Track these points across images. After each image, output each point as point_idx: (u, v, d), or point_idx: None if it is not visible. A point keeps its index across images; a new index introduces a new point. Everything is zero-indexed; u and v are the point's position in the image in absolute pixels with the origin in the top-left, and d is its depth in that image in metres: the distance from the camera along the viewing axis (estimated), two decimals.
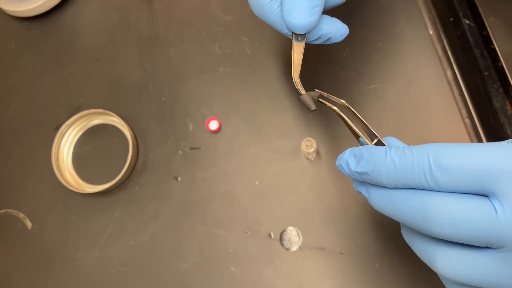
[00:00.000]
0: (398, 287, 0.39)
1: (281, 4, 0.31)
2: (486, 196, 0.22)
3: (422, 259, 0.26)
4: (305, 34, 0.31)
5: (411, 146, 0.24)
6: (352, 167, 0.26)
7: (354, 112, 0.31)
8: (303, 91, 0.32)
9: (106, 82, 0.50)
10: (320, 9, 0.30)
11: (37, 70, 0.51)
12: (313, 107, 0.32)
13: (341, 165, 0.27)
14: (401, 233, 0.40)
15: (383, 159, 0.24)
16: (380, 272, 0.40)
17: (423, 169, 0.23)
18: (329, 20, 0.33)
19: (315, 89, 0.33)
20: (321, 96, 0.32)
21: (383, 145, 0.28)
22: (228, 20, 0.49)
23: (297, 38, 0.32)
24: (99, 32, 0.52)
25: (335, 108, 0.31)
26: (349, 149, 0.27)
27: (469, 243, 0.22)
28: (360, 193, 0.28)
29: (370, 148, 0.26)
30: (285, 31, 0.32)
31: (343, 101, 0.32)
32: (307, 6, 0.29)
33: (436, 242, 0.24)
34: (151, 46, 0.50)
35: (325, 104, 0.32)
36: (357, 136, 0.30)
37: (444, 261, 0.23)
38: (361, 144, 0.30)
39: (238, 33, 0.49)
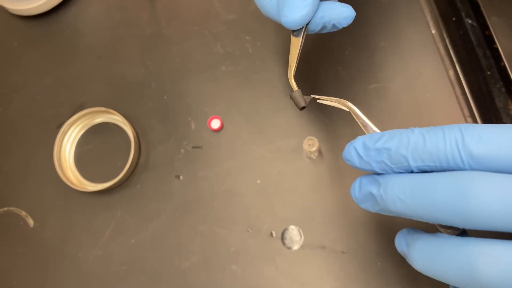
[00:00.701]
0: (400, 286, 0.39)
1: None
2: None
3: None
4: (301, 29, 0.30)
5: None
6: (371, 144, 0.22)
7: (354, 111, 0.29)
8: (295, 88, 0.32)
9: (108, 80, 0.50)
10: (311, 1, 0.28)
11: (39, 69, 0.51)
12: (302, 104, 0.31)
13: (354, 147, 0.23)
14: None
15: (410, 133, 0.21)
16: (382, 271, 0.40)
17: (455, 140, 0.19)
18: (329, 7, 0.30)
19: (311, 95, 0.32)
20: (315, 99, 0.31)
21: None
22: (230, 19, 0.49)
23: (294, 34, 0.31)
24: (101, 30, 0.52)
25: (335, 104, 0.30)
26: (360, 136, 0.24)
27: None
28: (369, 195, 0.23)
29: (388, 131, 0.22)
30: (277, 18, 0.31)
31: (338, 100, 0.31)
32: (296, 1, 0.28)
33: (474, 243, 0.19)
34: (153, 44, 0.50)
35: (322, 101, 0.31)
36: (363, 127, 0.28)
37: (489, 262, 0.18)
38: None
39: (241, 32, 0.49)
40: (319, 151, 0.44)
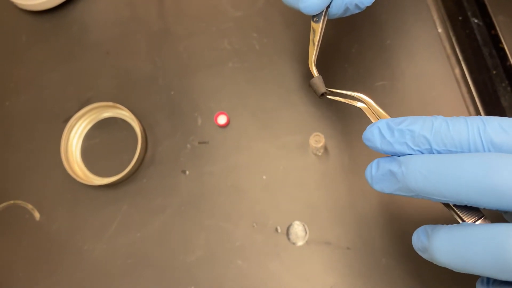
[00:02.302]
0: (404, 282, 0.40)
1: None
2: None
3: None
4: (320, 13, 0.30)
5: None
6: (394, 125, 0.23)
7: (368, 101, 0.28)
8: (315, 74, 0.30)
9: (115, 76, 0.50)
10: None
11: (47, 63, 0.52)
12: (322, 90, 0.30)
13: (377, 127, 0.23)
14: (407, 229, 0.41)
15: (434, 119, 0.22)
16: (387, 268, 0.40)
17: (477, 126, 0.20)
18: None
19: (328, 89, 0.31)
20: (330, 93, 0.30)
21: None
22: (238, 16, 0.50)
23: (314, 19, 0.30)
24: (109, 26, 0.52)
25: (349, 99, 0.29)
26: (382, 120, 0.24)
27: None
28: (388, 173, 0.23)
29: (413, 116, 0.23)
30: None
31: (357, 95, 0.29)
32: None
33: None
34: (161, 40, 0.50)
35: (334, 97, 0.30)
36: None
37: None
38: None
39: (248, 29, 0.49)
40: (325, 148, 0.44)
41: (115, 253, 0.44)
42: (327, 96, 0.30)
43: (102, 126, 0.49)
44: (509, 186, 0.18)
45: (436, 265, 0.40)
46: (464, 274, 0.39)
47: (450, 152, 0.21)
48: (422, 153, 0.22)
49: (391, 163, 0.23)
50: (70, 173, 0.45)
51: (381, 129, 0.23)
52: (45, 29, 0.53)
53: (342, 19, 0.39)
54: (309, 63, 0.31)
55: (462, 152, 0.20)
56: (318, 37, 0.31)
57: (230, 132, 0.46)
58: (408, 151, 0.22)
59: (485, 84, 0.45)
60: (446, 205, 0.23)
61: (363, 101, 0.28)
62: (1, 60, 0.53)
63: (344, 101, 0.29)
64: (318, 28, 0.31)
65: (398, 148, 0.22)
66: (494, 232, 0.19)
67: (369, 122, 0.27)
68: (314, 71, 0.31)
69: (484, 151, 0.20)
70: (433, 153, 0.21)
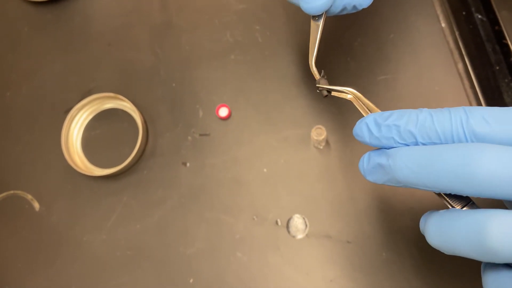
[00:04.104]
0: (404, 276, 0.39)
1: None
2: None
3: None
4: (321, 13, 0.30)
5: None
6: (381, 121, 0.23)
7: (362, 98, 0.29)
8: (316, 75, 0.31)
9: (117, 67, 0.50)
10: None
11: (49, 54, 0.52)
12: (324, 92, 0.30)
13: (365, 123, 0.24)
14: (408, 223, 0.41)
15: (419, 112, 0.22)
16: (387, 262, 0.40)
17: (459, 118, 0.21)
18: None
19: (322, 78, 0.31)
20: (324, 81, 0.30)
21: None
22: (240, 9, 0.50)
23: (315, 18, 0.31)
24: (111, 17, 0.52)
25: (343, 94, 0.30)
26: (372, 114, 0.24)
27: None
28: (378, 166, 0.24)
29: (396, 111, 0.23)
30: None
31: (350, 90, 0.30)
32: None
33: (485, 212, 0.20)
34: (163, 32, 0.50)
35: (330, 89, 0.30)
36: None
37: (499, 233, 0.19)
38: None
39: (250, 22, 0.49)
40: (327, 141, 0.44)
41: (115, 244, 0.44)
42: (317, 91, 0.31)
43: (103, 117, 0.48)
44: (488, 174, 0.19)
45: (436, 259, 0.40)
46: (463, 268, 0.39)
47: (435, 144, 0.21)
48: (409, 145, 0.22)
49: (380, 156, 0.23)
50: (70, 164, 0.45)
51: (369, 124, 0.24)
52: (47, 20, 0.53)
53: (345, 13, 0.39)
54: (310, 64, 0.31)
55: (446, 143, 0.21)
56: (318, 36, 0.31)
57: (231, 125, 0.46)
58: (395, 145, 0.23)
59: (488, 80, 0.45)
60: (437, 193, 0.23)
61: (352, 94, 0.29)
62: (3, 51, 0.53)
63: (335, 94, 0.30)
64: (318, 28, 0.31)
65: (386, 142, 0.23)
66: (475, 217, 0.19)
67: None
68: (316, 73, 0.31)
69: (467, 141, 0.20)
70: (419, 145, 0.22)
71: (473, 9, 0.47)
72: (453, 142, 0.21)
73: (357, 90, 0.39)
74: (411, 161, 0.21)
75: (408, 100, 0.44)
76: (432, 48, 0.45)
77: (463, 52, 0.46)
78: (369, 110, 0.27)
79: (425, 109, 0.22)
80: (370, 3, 0.30)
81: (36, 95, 0.50)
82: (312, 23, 0.31)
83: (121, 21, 0.52)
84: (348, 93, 0.29)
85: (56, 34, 0.52)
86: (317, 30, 0.31)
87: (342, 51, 0.46)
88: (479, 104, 0.44)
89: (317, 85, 0.30)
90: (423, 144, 0.22)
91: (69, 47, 0.52)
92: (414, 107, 0.43)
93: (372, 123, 0.23)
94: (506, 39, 0.45)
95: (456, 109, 0.21)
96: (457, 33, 0.46)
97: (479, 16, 0.47)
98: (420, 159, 0.21)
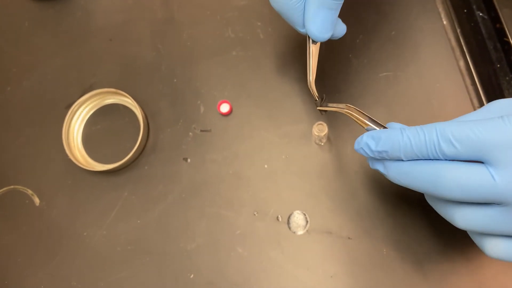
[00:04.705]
0: (405, 272, 0.39)
1: (304, 5, 0.32)
2: (482, 162, 0.26)
3: (444, 218, 0.31)
4: None
5: (421, 125, 0.29)
6: (373, 147, 0.30)
7: (357, 109, 0.34)
8: (316, 96, 0.36)
9: (118, 62, 0.50)
10: (335, 20, 0.33)
11: (50, 49, 0.52)
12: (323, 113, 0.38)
13: (361, 148, 0.31)
14: (409, 220, 0.41)
15: (401, 138, 0.29)
16: (388, 258, 0.40)
17: (432, 144, 0.27)
18: (336, 23, 0.35)
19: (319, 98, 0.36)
20: (324, 104, 0.36)
21: None
22: (242, 5, 0.50)
23: (313, 42, 0.33)
24: (113, 13, 0.52)
25: (340, 110, 0.35)
26: (365, 134, 0.31)
27: (476, 202, 0.27)
28: (377, 170, 0.32)
29: (386, 130, 0.30)
30: (302, 30, 0.33)
31: (344, 105, 0.35)
32: (331, 22, 0.32)
33: (453, 204, 0.29)
34: (164, 28, 0.50)
35: (328, 110, 0.36)
36: (365, 125, 0.33)
37: (461, 218, 0.29)
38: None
39: (252, 18, 0.49)
40: (328, 138, 0.44)
41: (115, 239, 0.44)
42: (321, 109, 0.37)
43: (104, 113, 0.48)
44: (448, 185, 0.27)
45: (436, 256, 0.40)
46: (463, 264, 0.39)
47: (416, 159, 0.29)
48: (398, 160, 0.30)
49: (379, 165, 0.31)
50: (71, 159, 0.45)
51: (364, 149, 0.31)
52: (48, 15, 0.53)
53: (347, 10, 0.39)
54: (310, 85, 0.35)
55: (423, 159, 0.28)
56: (317, 58, 0.34)
57: (232, 121, 0.46)
58: (388, 160, 0.30)
59: (489, 77, 0.45)
60: None
61: (347, 109, 0.34)
62: (3, 46, 0.52)
63: (337, 110, 0.35)
64: (317, 50, 0.34)
65: (381, 158, 0.31)
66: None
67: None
68: (316, 94, 0.35)
69: (439, 157, 0.27)
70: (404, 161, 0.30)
71: (474, 6, 0.47)
72: (429, 158, 0.28)
73: (359, 87, 0.41)
74: (398, 172, 0.30)
75: (410, 97, 0.44)
76: (434, 45, 0.45)
77: (465, 50, 0.46)
78: (362, 123, 0.33)
79: (405, 133, 0.28)
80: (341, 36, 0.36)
81: (37, 90, 0.50)
82: (312, 46, 0.33)
83: (123, 16, 0.51)
84: (342, 111, 0.34)
85: (57, 29, 0.52)
86: (316, 53, 0.34)
87: (344, 48, 0.46)
88: (481, 101, 0.44)
89: (317, 108, 0.36)
90: (408, 160, 0.29)
91: (70, 42, 0.51)
92: (416, 104, 0.44)
93: (367, 149, 0.30)
94: (507, 37, 0.45)
95: (429, 131, 0.27)
96: (458, 31, 0.46)
97: (480, 14, 0.47)
98: (405, 172, 0.29)
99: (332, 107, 0.35)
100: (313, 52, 0.34)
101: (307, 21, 0.32)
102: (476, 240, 0.30)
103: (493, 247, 0.29)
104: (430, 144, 0.27)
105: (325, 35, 0.32)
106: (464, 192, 0.27)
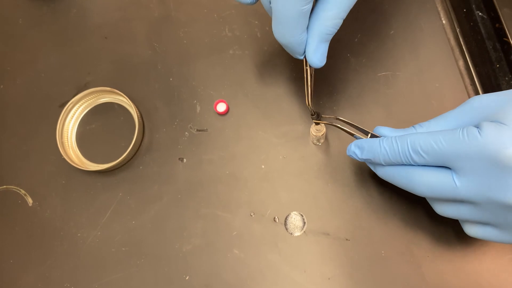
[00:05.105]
0: (404, 275, 0.39)
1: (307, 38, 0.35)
2: (449, 168, 0.31)
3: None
4: None
5: (396, 136, 0.33)
6: (359, 155, 0.36)
7: (345, 121, 0.39)
8: (312, 111, 0.39)
9: (114, 61, 0.49)
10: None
11: (45, 47, 0.51)
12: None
13: (351, 154, 0.37)
14: (407, 221, 0.40)
15: (379, 149, 0.34)
16: (386, 260, 0.40)
17: (405, 154, 0.32)
18: None
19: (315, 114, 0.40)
20: (318, 117, 0.40)
21: (377, 136, 0.36)
22: (239, 3, 0.49)
23: (311, 66, 0.36)
24: (108, 10, 0.51)
25: (330, 123, 0.39)
26: (353, 143, 0.37)
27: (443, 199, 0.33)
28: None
29: (367, 141, 0.36)
30: (300, 57, 0.37)
31: (334, 117, 0.40)
32: (325, 49, 0.36)
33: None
34: (161, 26, 0.49)
35: (321, 122, 0.40)
36: (352, 135, 0.38)
37: (439, 209, 0.34)
38: (357, 139, 0.38)
39: (249, 16, 0.48)
40: (326, 138, 0.43)
41: (110, 241, 0.43)
42: (315, 121, 0.41)
43: (99, 112, 0.48)
44: (420, 186, 0.33)
45: (436, 258, 0.39)
46: (462, 266, 0.38)
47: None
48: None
49: (370, 165, 0.37)
50: (65, 158, 0.44)
51: (353, 156, 0.37)
52: (43, 12, 0.52)
53: None
54: (309, 103, 0.38)
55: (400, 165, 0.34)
56: (313, 78, 0.38)
57: (229, 120, 0.45)
58: (374, 164, 0.36)
59: (488, 77, 0.44)
60: None
61: (339, 126, 0.39)
62: None
63: (330, 124, 0.40)
64: (312, 71, 0.38)
65: (369, 163, 0.37)
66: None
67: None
68: (312, 108, 0.39)
69: (411, 164, 0.33)
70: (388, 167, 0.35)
71: (473, 6, 0.47)
72: (404, 164, 0.33)
73: (357, 87, 0.41)
74: (383, 174, 0.36)
75: (409, 96, 0.44)
76: (433, 44, 0.45)
77: (464, 49, 0.45)
78: (350, 134, 0.38)
79: (383, 144, 0.34)
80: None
81: (31, 88, 0.49)
82: (310, 68, 0.37)
83: (119, 14, 0.51)
84: (332, 125, 0.39)
85: (51, 27, 0.52)
86: (312, 75, 0.38)
87: (342, 47, 0.46)
88: None
89: (314, 121, 0.40)
90: (388, 165, 0.35)
91: (65, 39, 0.51)
92: (415, 103, 0.43)
93: (355, 155, 0.37)
94: (507, 37, 0.44)
95: (402, 143, 0.33)
96: (458, 30, 0.46)
97: (480, 14, 0.46)
98: (387, 174, 0.35)
99: (324, 121, 0.40)
100: (310, 74, 0.37)
101: (310, 53, 0.35)
102: (459, 220, 0.35)
103: (470, 229, 0.34)
104: (403, 154, 0.32)
105: (323, 63, 0.36)
106: (433, 193, 0.32)
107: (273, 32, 0.36)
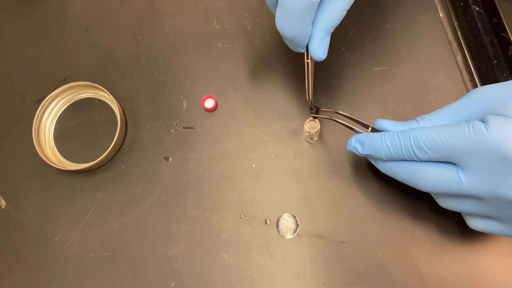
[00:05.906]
0: (402, 279, 0.37)
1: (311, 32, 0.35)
2: (453, 164, 0.30)
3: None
4: None
5: (398, 131, 0.33)
6: (360, 151, 0.35)
7: (344, 114, 0.38)
8: (312, 105, 0.38)
9: (95, 54, 0.47)
10: None
11: (21, 39, 0.48)
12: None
13: (351, 150, 0.36)
14: (406, 222, 0.38)
15: (380, 145, 0.34)
16: (384, 263, 0.38)
17: (408, 150, 0.32)
18: None
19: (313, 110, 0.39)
20: (317, 111, 0.39)
21: (378, 130, 0.36)
22: None
23: (310, 58, 0.35)
24: (89, 1, 0.49)
25: (329, 118, 0.38)
26: (353, 137, 0.36)
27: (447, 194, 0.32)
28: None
29: (368, 136, 0.35)
30: (302, 50, 0.36)
31: (333, 111, 0.39)
32: (327, 42, 0.35)
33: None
34: (145, 18, 0.47)
35: (320, 117, 0.39)
36: (352, 129, 0.37)
37: (442, 203, 0.33)
38: (357, 133, 0.37)
39: (239, 8, 0.46)
40: (320, 135, 0.41)
41: (89, 245, 0.41)
42: (314, 115, 0.39)
43: (78, 108, 0.45)
44: (425, 183, 0.32)
45: (436, 261, 0.37)
46: (464, 274, 0.36)
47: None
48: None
49: (371, 160, 0.36)
50: (41, 157, 0.42)
51: (353, 151, 0.36)
52: (20, 3, 0.49)
53: None
54: (308, 97, 0.37)
55: (402, 161, 0.33)
56: (313, 73, 0.37)
57: (217, 117, 0.43)
58: (375, 159, 0.36)
59: (487, 73, 0.43)
60: None
61: (338, 120, 0.38)
62: None
63: (329, 118, 0.39)
64: (313, 65, 0.37)
65: (370, 158, 0.36)
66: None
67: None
68: (312, 103, 0.38)
69: (414, 159, 0.32)
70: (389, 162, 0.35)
71: (470, 0, 0.45)
72: (406, 160, 0.33)
73: (352, 82, 0.39)
74: (385, 169, 0.35)
75: (406, 92, 0.42)
76: (430, 39, 0.43)
77: (463, 44, 0.44)
78: (349, 129, 0.37)
79: (385, 140, 0.33)
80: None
81: (6, 83, 0.47)
82: (309, 62, 0.36)
83: (100, 5, 0.48)
84: (331, 119, 0.38)
85: (29, 18, 0.49)
86: (312, 68, 0.36)
87: (336, 41, 0.44)
88: None
89: (312, 115, 0.39)
90: (389, 160, 0.34)
91: (43, 32, 0.48)
92: (412, 100, 0.41)
93: (355, 150, 0.36)
94: (505, 32, 0.43)
95: (405, 139, 0.32)
96: (456, 24, 0.44)
97: (477, 8, 0.45)
98: (389, 169, 0.34)
99: (323, 115, 0.39)
100: (311, 68, 0.36)
101: (315, 47, 0.34)
102: (461, 213, 0.35)
103: (473, 223, 0.33)
104: (405, 150, 0.32)
105: (325, 56, 0.36)
106: (437, 188, 0.31)
107: (277, 25, 0.34)
